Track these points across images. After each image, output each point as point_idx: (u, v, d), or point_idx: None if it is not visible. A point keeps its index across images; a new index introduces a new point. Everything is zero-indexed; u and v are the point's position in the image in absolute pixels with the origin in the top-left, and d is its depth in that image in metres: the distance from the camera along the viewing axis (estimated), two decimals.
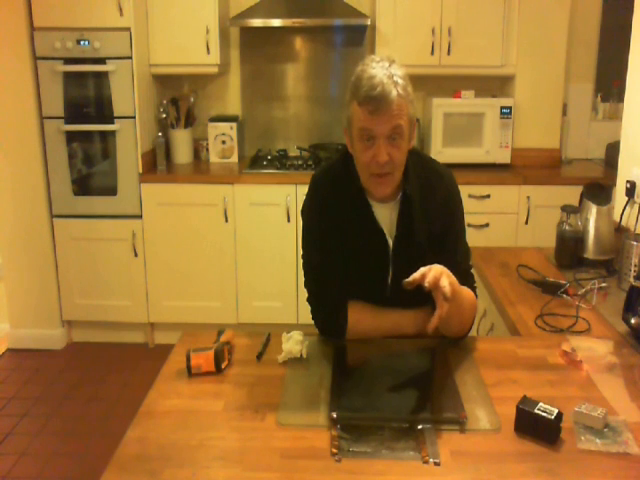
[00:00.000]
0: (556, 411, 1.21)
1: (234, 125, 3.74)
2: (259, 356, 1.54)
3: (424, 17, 3.53)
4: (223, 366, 1.47)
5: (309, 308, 1.68)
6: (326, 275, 1.63)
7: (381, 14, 3.57)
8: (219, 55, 3.57)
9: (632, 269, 1.95)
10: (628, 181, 2.34)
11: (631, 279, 1.86)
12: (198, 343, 1.52)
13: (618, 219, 2.37)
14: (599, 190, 2.25)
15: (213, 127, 3.75)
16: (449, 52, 3.55)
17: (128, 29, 3.32)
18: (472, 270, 1.71)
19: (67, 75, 3.39)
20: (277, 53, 3.92)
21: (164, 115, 3.71)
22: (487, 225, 3.48)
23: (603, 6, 3.78)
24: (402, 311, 1.62)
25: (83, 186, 3.54)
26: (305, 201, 1.68)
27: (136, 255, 3.57)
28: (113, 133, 3.46)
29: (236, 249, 3.56)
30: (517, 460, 1.16)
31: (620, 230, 2.30)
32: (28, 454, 2.72)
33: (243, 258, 3.57)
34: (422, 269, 1.40)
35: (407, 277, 1.40)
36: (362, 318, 1.61)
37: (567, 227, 2.17)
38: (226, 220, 3.51)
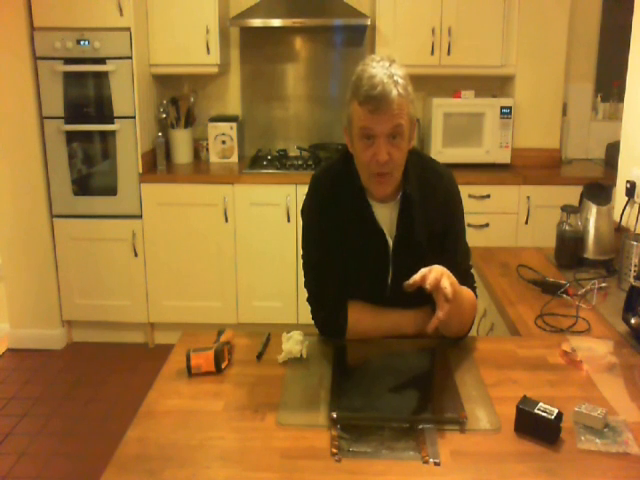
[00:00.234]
0: (556, 411, 1.21)
1: (234, 125, 3.74)
2: (259, 356, 1.54)
3: (424, 17, 3.53)
4: (223, 366, 1.47)
5: (309, 308, 1.68)
6: (326, 275, 1.63)
7: (381, 14, 3.57)
8: (219, 55, 3.57)
9: (632, 269, 1.95)
10: (628, 181, 2.34)
11: (631, 279, 1.86)
12: (198, 343, 1.52)
13: (618, 219, 2.37)
14: (599, 190, 2.25)
15: (213, 127, 3.75)
16: (449, 52, 3.55)
17: (128, 29, 3.32)
18: (472, 270, 1.71)
19: (67, 75, 3.39)
20: (277, 53, 3.92)
21: (164, 115, 3.71)
22: (487, 225, 3.49)
23: (603, 6, 3.79)
24: (402, 311, 1.62)
25: (83, 186, 3.54)
26: (305, 201, 1.68)
27: (136, 255, 3.57)
28: (113, 133, 3.46)
29: (236, 249, 3.56)
30: (517, 460, 1.16)
31: (620, 230, 2.30)
32: (28, 454, 2.72)
33: (243, 258, 3.57)
34: (422, 270, 1.40)
35: (407, 277, 1.41)
36: (362, 318, 1.61)
37: (567, 227, 2.17)
38: (226, 220, 3.51)
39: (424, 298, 1.46)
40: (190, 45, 3.54)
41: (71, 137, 3.46)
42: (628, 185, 2.34)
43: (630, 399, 1.37)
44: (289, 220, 3.49)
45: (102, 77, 3.39)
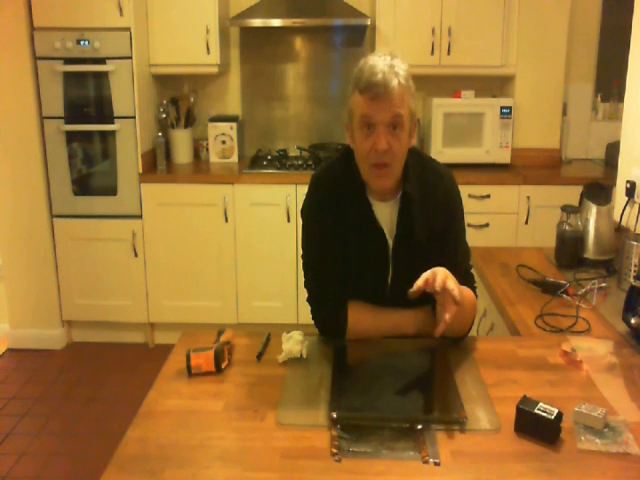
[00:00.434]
0: (556, 411, 1.21)
1: (234, 125, 3.74)
2: (259, 356, 1.53)
3: (424, 17, 3.53)
4: (223, 366, 1.47)
5: (309, 308, 1.68)
6: (326, 275, 1.63)
7: (381, 14, 3.57)
8: (219, 55, 3.57)
9: (632, 269, 1.95)
10: (628, 181, 2.34)
11: (631, 279, 1.86)
12: (198, 343, 1.52)
13: (618, 219, 2.37)
14: (599, 190, 2.25)
15: (213, 127, 3.75)
16: (449, 52, 3.56)
17: (128, 29, 3.32)
18: (472, 270, 1.71)
19: (67, 75, 3.39)
20: (277, 53, 3.92)
21: (164, 115, 3.71)
22: (487, 225, 3.49)
23: (603, 6, 3.79)
24: (402, 311, 1.62)
25: (83, 186, 3.54)
26: (305, 201, 1.67)
27: (136, 255, 3.57)
28: (113, 133, 3.46)
29: (236, 249, 3.56)
30: (517, 460, 1.16)
31: (620, 230, 2.30)
32: (28, 454, 2.72)
33: (243, 258, 3.57)
34: (424, 275, 1.40)
35: (407, 276, 1.41)
36: (362, 318, 1.61)
37: (567, 227, 2.17)
38: (226, 220, 3.51)
39: (424, 298, 1.46)
40: (190, 45, 3.54)
41: (71, 137, 3.46)
42: (628, 185, 2.33)
43: (630, 399, 1.37)
44: (289, 220, 3.49)
45: (102, 77, 3.39)
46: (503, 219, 3.50)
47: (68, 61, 3.36)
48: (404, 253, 1.59)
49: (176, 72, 3.72)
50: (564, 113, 3.77)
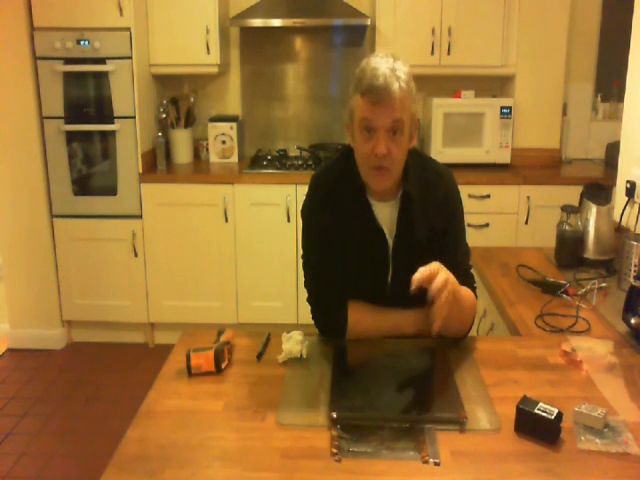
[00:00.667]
0: (556, 411, 1.21)
1: (234, 125, 3.74)
2: (259, 356, 1.53)
3: (424, 17, 3.53)
4: (223, 366, 1.47)
5: (309, 308, 1.68)
6: (326, 275, 1.63)
7: (381, 14, 3.57)
8: (219, 55, 3.57)
9: (632, 269, 1.95)
10: (628, 181, 2.34)
11: (631, 279, 1.86)
12: (198, 343, 1.52)
13: (618, 219, 2.37)
14: (599, 190, 2.25)
15: (213, 127, 3.75)
16: (449, 52, 3.56)
17: (128, 29, 3.32)
18: (472, 270, 1.71)
19: (67, 75, 3.39)
20: (277, 53, 3.92)
21: (164, 115, 3.71)
22: (487, 225, 3.48)
23: (603, 6, 3.78)
24: (402, 311, 1.62)
25: (83, 186, 3.54)
26: (305, 201, 1.68)
27: (136, 255, 3.57)
28: (113, 133, 3.46)
29: (236, 249, 3.56)
30: (517, 460, 1.16)
31: (620, 230, 2.30)
32: (28, 454, 2.72)
33: (243, 258, 3.57)
34: (420, 269, 1.41)
35: (407, 276, 1.41)
36: (362, 318, 1.61)
37: (567, 227, 2.17)
38: (226, 220, 3.51)
39: (424, 298, 1.46)
40: (190, 45, 3.54)
41: (71, 137, 3.46)
42: (628, 185, 2.33)
43: (630, 399, 1.37)
44: (289, 220, 3.49)
45: (102, 77, 3.39)
46: (503, 219, 3.50)
47: (68, 61, 3.36)
48: (404, 253, 1.59)
49: (176, 72, 3.72)
50: (564, 113, 3.77)
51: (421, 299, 1.49)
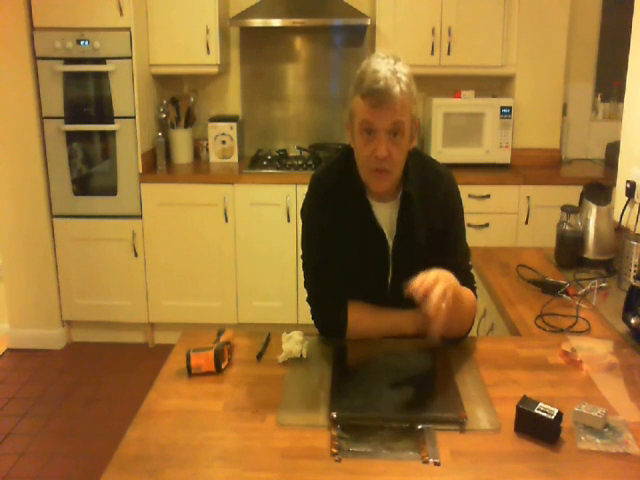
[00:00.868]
0: (556, 411, 1.21)
1: (234, 125, 3.74)
2: (259, 356, 1.53)
3: (424, 17, 3.53)
4: (223, 366, 1.47)
5: (309, 308, 1.68)
6: (326, 275, 1.63)
7: (381, 14, 3.57)
8: (219, 55, 3.57)
9: (632, 269, 1.95)
10: (628, 181, 2.34)
11: (631, 279, 1.86)
12: (198, 343, 1.52)
13: (618, 219, 2.37)
14: (599, 190, 2.25)
15: (213, 127, 3.75)
16: (449, 52, 3.56)
17: (128, 29, 3.32)
18: (472, 270, 1.71)
19: (67, 75, 3.39)
20: (277, 53, 3.92)
21: (164, 115, 3.71)
22: (487, 225, 3.48)
23: (603, 6, 3.78)
24: (402, 311, 1.62)
25: (83, 186, 3.54)
26: (305, 201, 1.68)
27: (136, 255, 3.57)
28: (113, 133, 3.46)
29: (236, 249, 3.56)
30: (517, 460, 1.16)
31: (620, 230, 2.30)
32: (28, 454, 2.72)
33: (243, 258, 3.57)
34: (419, 279, 1.38)
35: (407, 277, 1.40)
36: (362, 318, 1.61)
37: (567, 227, 2.17)
38: (226, 220, 3.51)
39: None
40: (190, 45, 3.54)
41: (71, 137, 3.46)
42: (628, 185, 2.33)
43: (630, 399, 1.37)
44: (289, 220, 3.49)
45: (102, 77, 3.39)
46: (503, 219, 3.50)
47: (68, 61, 3.36)
48: (404, 254, 1.59)
49: (176, 72, 3.72)
50: (564, 113, 3.76)
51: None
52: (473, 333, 1.68)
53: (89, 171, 3.56)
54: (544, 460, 1.16)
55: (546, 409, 1.22)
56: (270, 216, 3.50)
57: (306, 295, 1.69)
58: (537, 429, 1.21)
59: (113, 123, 3.43)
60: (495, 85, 3.85)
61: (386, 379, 1.45)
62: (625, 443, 1.20)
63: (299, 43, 3.92)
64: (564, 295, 1.92)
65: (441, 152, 3.59)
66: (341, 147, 3.54)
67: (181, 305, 3.64)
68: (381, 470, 1.14)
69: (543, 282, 2.00)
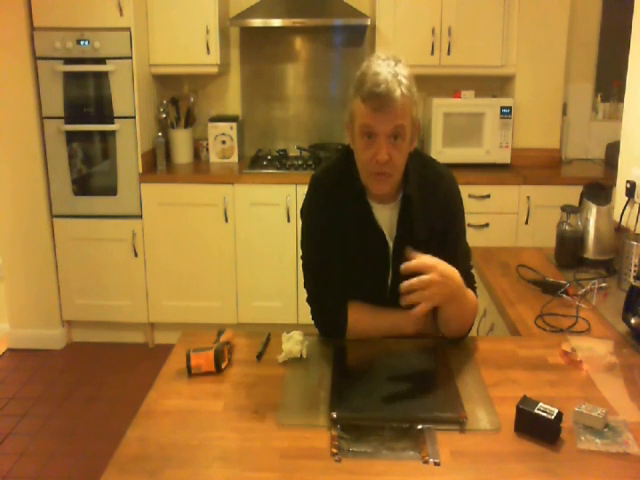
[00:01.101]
0: (556, 411, 1.21)
1: (234, 125, 3.74)
2: (259, 356, 1.53)
3: (424, 17, 3.53)
4: (223, 366, 1.47)
5: (309, 308, 1.68)
6: (325, 275, 1.63)
7: (381, 14, 3.57)
8: (219, 55, 3.57)
9: (632, 269, 1.95)
10: (628, 181, 2.34)
11: (631, 279, 1.86)
12: (198, 343, 1.52)
13: (618, 219, 2.37)
14: (599, 190, 2.25)
15: (213, 127, 3.75)
16: (449, 52, 3.55)
17: (128, 29, 3.32)
18: (472, 270, 1.71)
19: (67, 75, 3.39)
20: (277, 53, 3.92)
21: (164, 115, 3.71)
22: (487, 225, 3.48)
23: (603, 6, 3.78)
24: (401, 311, 1.61)
25: (83, 186, 3.54)
26: (305, 201, 1.67)
27: (136, 255, 3.57)
28: (113, 133, 3.46)
29: (236, 249, 3.56)
30: (517, 460, 1.16)
31: (620, 230, 2.30)
32: (28, 454, 2.72)
33: (243, 258, 3.57)
34: (418, 259, 1.41)
35: (407, 278, 1.40)
36: (362, 318, 1.61)
37: (567, 227, 2.17)
38: (226, 220, 3.51)
39: None
40: (190, 45, 3.54)
41: (71, 137, 3.46)
42: (628, 185, 2.33)
43: (630, 399, 1.37)
44: (289, 220, 3.49)
45: (102, 77, 3.39)
46: (503, 219, 3.50)
47: (68, 61, 3.36)
48: (404, 254, 1.59)
49: (176, 72, 3.72)
50: (564, 113, 3.77)
51: None
52: (473, 333, 1.68)
53: (89, 171, 3.56)
54: (544, 460, 1.16)
55: (546, 409, 1.22)
56: (270, 216, 3.50)
57: (306, 295, 1.69)
58: (537, 429, 1.21)
59: (113, 123, 3.43)
60: (495, 85, 3.85)
61: (386, 379, 1.45)
62: (625, 443, 1.20)
63: (299, 43, 3.92)
64: (564, 295, 1.92)
65: (441, 152, 3.59)
66: (341, 147, 3.54)
67: (181, 305, 3.64)
68: (381, 470, 1.14)
69: (543, 282, 2.00)
